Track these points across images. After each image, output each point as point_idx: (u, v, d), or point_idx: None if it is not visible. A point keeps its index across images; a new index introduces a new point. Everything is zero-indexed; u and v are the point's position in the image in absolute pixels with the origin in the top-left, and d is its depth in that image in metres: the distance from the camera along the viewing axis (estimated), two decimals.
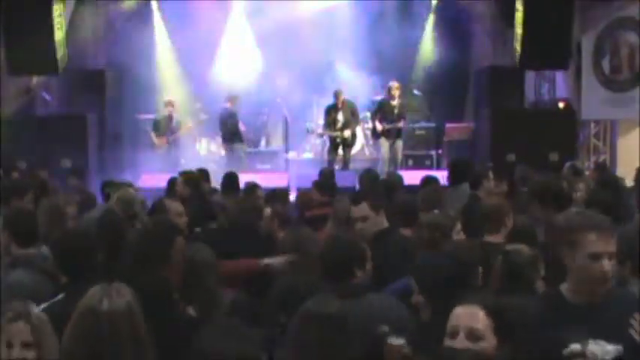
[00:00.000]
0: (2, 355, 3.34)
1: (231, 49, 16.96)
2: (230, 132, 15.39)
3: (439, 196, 7.61)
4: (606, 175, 8.76)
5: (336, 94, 15.18)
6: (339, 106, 15.14)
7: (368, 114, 16.85)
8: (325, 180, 9.68)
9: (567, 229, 3.57)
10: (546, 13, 13.79)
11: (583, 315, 3.49)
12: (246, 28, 17.58)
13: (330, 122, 15.16)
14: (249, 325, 4.20)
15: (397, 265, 5.10)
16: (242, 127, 15.52)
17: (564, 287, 3.65)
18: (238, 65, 16.45)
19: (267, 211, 7.01)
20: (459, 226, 5.81)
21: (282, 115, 16.57)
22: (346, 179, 12.51)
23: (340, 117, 15.12)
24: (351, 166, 15.44)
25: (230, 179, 9.45)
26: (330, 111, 15.21)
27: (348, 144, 15.29)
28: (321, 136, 15.68)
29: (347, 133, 15.11)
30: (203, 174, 9.92)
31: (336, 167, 14.99)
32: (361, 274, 4.48)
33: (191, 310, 4.59)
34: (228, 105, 15.41)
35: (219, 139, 16.92)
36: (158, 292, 4.58)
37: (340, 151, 15.31)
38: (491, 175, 8.57)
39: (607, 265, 3.49)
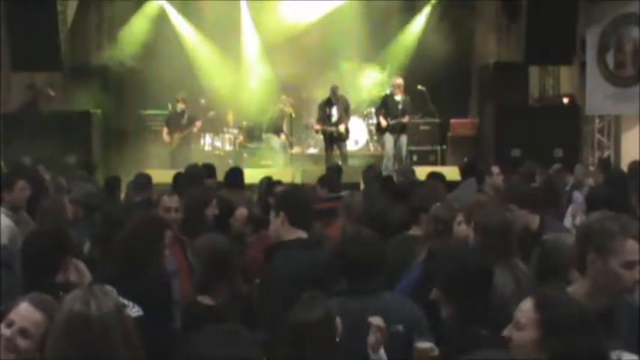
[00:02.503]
0: None
1: (235, 45, 16.95)
2: (275, 125, 15.82)
3: (439, 191, 7.67)
4: (613, 172, 8.71)
5: (333, 89, 15.17)
6: (334, 101, 15.13)
7: (372, 110, 16.87)
8: (331, 176, 9.66)
9: (601, 234, 3.44)
10: (550, 9, 13.79)
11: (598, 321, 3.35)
12: (251, 25, 17.57)
13: (325, 117, 15.15)
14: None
15: None
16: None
17: (576, 291, 3.51)
18: (242, 60, 16.44)
19: (243, 212, 6.77)
20: (459, 217, 5.83)
21: (286, 111, 16.58)
22: (349, 175, 12.47)
23: (335, 112, 15.11)
24: (355, 161, 15.44)
25: (234, 174, 9.43)
26: (325, 106, 15.20)
27: (342, 138, 15.27)
28: (317, 131, 15.64)
29: (342, 127, 15.11)
30: (208, 169, 9.93)
31: (339, 163, 15.01)
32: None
33: (207, 300, 4.59)
34: (284, 107, 15.69)
35: (225, 135, 17.03)
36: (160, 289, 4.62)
37: (336, 146, 15.31)
38: (496, 170, 8.56)
39: (638, 273, 3.43)
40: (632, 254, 3.41)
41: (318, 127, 15.30)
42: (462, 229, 5.75)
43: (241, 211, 6.77)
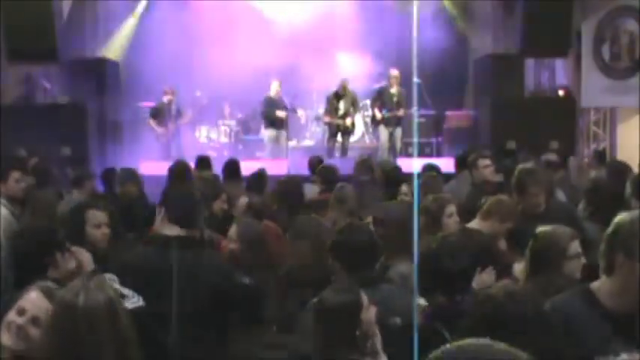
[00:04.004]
0: (8, 317, 3.30)
1: (231, 36, 16.90)
2: (276, 119, 15.46)
3: (438, 183, 7.71)
4: (613, 165, 8.70)
5: (343, 83, 15.21)
6: (342, 94, 15.17)
7: (367, 102, 16.88)
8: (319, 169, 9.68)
9: (630, 236, 3.31)
10: (546, 1, 13.79)
11: (621, 324, 3.27)
12: (246, 16, 17.53)
13: (332, 109, 15.20)
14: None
15: None
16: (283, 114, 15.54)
17: (599, 289, 3.41)
18: (238, 52, 16.38)
19: (243, 201, 6.84)
20: (449, 209, 5.84)
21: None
22: (345, 167, 12.48)
23: (342, 105, 15.17)
24: (350, 153, 15.46)
25: (232, 166, 9.43)
26: (333, 99, 15.24)
27: (348, 132, 15.37)
28: (327, 124, 15.65)
29: (349, 121, 15.20)
30: (204, 161, 9.92)
31: (336, 155, 15.05)
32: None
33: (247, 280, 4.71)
34: (272, 94, 15.44)
35: (221, 127, 17.00)
36: None
37: (339, 138, 15.35)
38: (483, 162, 8.55)
39: None
40: None
41: (327, 119, 15.32)
42: (452, 221, 5.76)
43: (242, 201, 6.81)
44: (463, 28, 17.53)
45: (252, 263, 4.93)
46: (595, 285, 3.44)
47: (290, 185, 7.80)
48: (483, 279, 4.32)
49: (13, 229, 6.31)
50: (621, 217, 3.44)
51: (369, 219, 5.52)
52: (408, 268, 4.46)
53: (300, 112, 15.62)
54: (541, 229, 4.48)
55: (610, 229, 3.44)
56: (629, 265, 3.28)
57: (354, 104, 15.37)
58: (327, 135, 15.87)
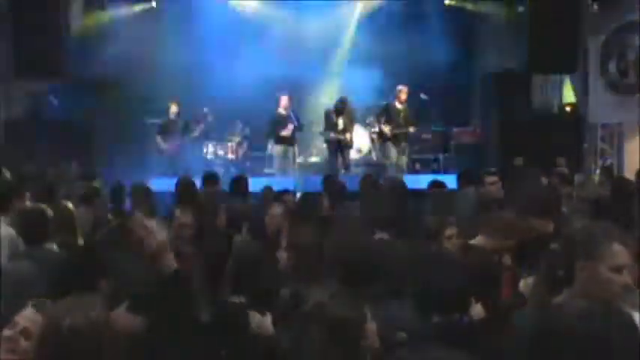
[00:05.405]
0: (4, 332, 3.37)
1: (238, 52, 16.95)
2: (285, 135, 15.45)
3: (449, 200, 7.70)
4: (620, 182, 8.69)
5: (343, 101, 15.22)
6: (341, 110, 15.18)
7: (373, 118, 16.89)
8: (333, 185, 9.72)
9: (588, 240, 3.44)
10: (553, 17, 13.81)
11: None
12: (252, 31, 17.57)
13: (331, 125, 15.21)
14: None
15: None
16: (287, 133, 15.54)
17: (563, 300, 3.44)
18: (246, 68, 16.42)
19: (278, 209, 6.91)
20: (449, 231, 5.81)
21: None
22: (349, 183, 12.48)
23: (341, 121, 15.18)
24: (358, 170, 15.47)
25: (239, 182, 9.42)
26: (332, 114, 15.26)
27: (348, 147, 15.38)
28: (328, 140, 15.65)
29: (348, 136, 15.22)
30: (211, 177, 9.91)
31: (342, 171, 15.05)
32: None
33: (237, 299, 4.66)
34: (281, 110, 15.46)
35: (228, 144, 16.98)
36: None
37: (339, 154, 15.38)
38: (490, 179, 8.54)
39: (627, 277, 3.40)
40: (620, 258, 3.41)
41: (332, 135, 15.31)
42: (451, 244, 5.72)
43: (274, 209, 6.90)
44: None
45: (244, 285, 4.88)
46: (558, 300, 3.48)
47: (310, 199, 7.89)
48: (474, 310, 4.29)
49: (17, 247, 6.31)
50: (575, 226, 3.53)
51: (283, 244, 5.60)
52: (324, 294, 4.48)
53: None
54: (554, 245, 4.47)
55: (565, 241, 3.61)
56: (590, 269, 3.39)
57: (351, 120, 15.39)
58: (327, 152, 15.85)
